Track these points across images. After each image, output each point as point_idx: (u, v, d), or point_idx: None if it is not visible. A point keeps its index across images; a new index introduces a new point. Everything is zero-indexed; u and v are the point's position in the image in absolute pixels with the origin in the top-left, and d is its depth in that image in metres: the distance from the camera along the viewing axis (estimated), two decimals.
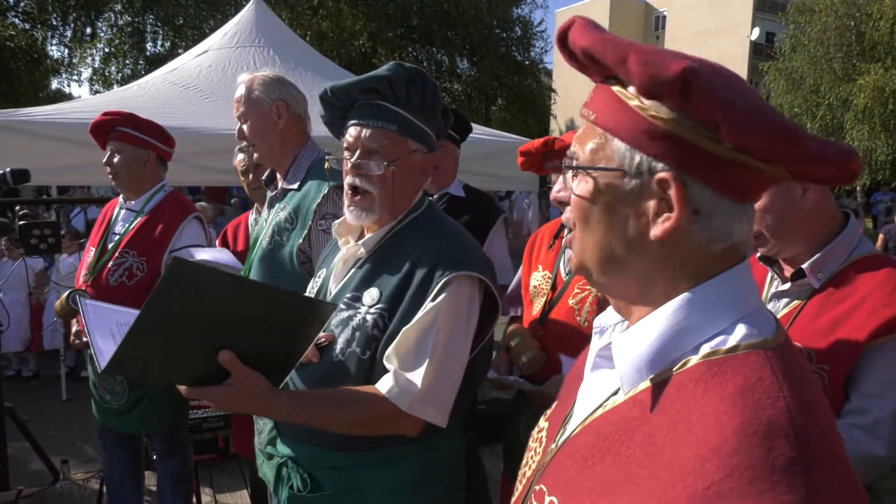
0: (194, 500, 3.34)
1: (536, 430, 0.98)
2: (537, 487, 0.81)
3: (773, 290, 1.56)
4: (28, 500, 3.57)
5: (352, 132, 1.54)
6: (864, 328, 1.35)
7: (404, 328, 1.42)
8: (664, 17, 38.58)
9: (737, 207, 0.72)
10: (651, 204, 0.72)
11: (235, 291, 1.22)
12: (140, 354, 1.21)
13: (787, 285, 1.50)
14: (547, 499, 0.77)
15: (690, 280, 0.73)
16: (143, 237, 2.77)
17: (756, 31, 31.87)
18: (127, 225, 2.82)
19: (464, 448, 1.65)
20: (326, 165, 1.62)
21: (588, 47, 0.73)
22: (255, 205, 3.20)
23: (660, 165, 0.71)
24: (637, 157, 0.72)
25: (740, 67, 32.58)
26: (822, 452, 0.61)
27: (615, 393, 0.77)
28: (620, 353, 0.74)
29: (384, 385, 1.41)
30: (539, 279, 2.28)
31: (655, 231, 0.72)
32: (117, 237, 2.80)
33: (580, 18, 0.77)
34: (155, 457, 3.08)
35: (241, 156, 3.14)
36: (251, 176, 3.10)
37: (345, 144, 1.57)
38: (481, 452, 1.70)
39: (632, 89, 0.73)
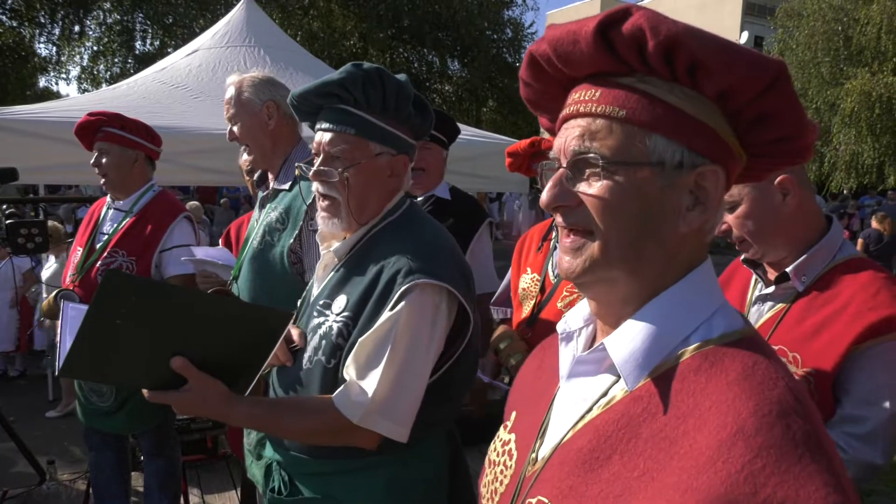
0: (182, 500, 3.32)
1: (500, 443, 0.95)
2: (533, 500, 0.78)
3: (757, 293, 1.57)
4: (14, 500, 3.55)
5: (316, 137, 1.52)
6: (848, 332, 1.35)
7: (361, 338, 1.38)
8: None
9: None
10: (684, 198, 0.74)
11: (181, 302, 1.24)
12: (91, 360, 1.24)
13: (772, 289, 1.51)
14: None
15: (683, 272, 0.76)
16: (132, 237, 2.75)
17: (745, 35, 32.07)
18: (116, 225, 2.81)
19: (447, 459, 1.61)
20: (297, 172, 1.59)
21: (681, 34, 0.69)
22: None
23: (702, 160, 0.73)
24: (679, 153, 0.73)
25: None
26: (819, 421, 0.66)
27: (605, 394, 0.77)
28: (618, 352, 0.75)
29: (337, 395, 1.39)
30: (528, 282, 2.29)
31: (687, 225, 0.74)
32: (105, 237, 2.79)
33: (641, 7, 0.72)
34: (142, 457, 3.07)
35: (245, 155, 3.13)
36: (256, 175, 3.10)
37: (312, 150, 1.55)
38: (469, 453, 1.68)
39: (664, 87, 0.73)
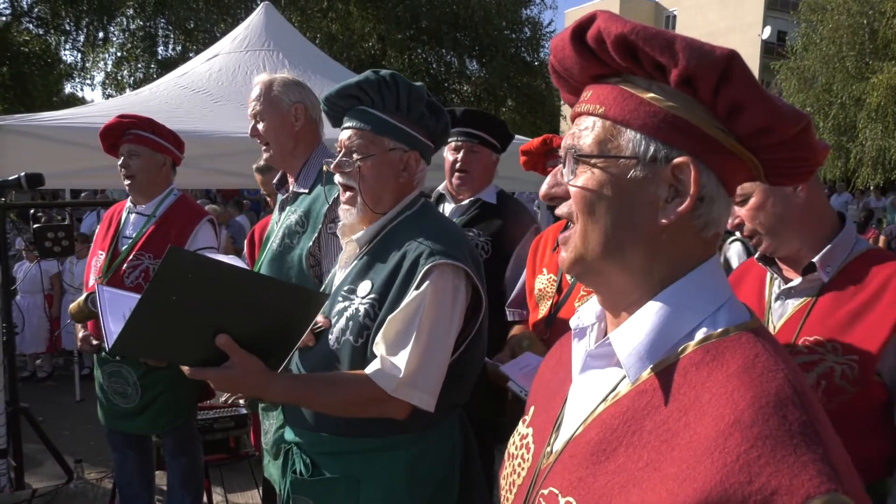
0: (205, 499, 3.37)
1: (518, 437, 0.98)
2: (545, 491, 0.81)
3: (776, 289, 1.57)
4: (42, 499, 3.62)
5: (340, 135, 1.69)
6: (889, 316, 1.36)
7: (390, 316, 1.50)
8: (674, 16, 38.35)
9: (727, 198, 0.78)
10: (661, 191, 0.75)
11: (231, 279, 1.30)
12: (143, 337, 1.30)
13: (797, 281, 1.51)
14: (562, 500, 0.77)
15: (681, 268, 0.77)
16: (157, 240, 2.80)
17: (767, 30, 31.61)
18: (139, 228, 2.86)
19: (460, 442, 1.69)
20: (325, 168, 1.72)
21: (627, 33, 0.73)
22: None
23: (675, 152, 0.74)
24: (652, 146, 0.75)
25: (752, 67, 32.09)
26: (820, 412, 0.67)
27: (614, 389, 0.79)
28: (622, 345, 0.77)
29: (371, 369, 1.49)
30: (544, 282, 2.28)
31: (666, 216, 0.75)
32: (130, 240, 2.83)
33: (602, 11, 0.78)
34: (165, 456, 3.11)
35: (259, 176, 3.19)
36: (271, 199, 3.18)
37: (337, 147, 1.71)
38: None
39: (643, 84, 0.76)
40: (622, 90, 0.77)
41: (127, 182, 2.85)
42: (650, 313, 0.76)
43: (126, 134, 2.83)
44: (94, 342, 2.86)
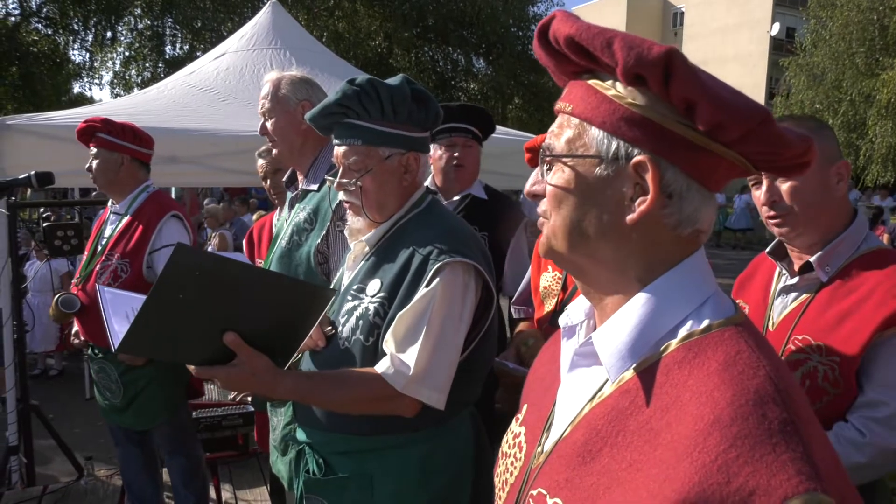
0: (214, 496, 3.38)
1: (511, 435, 0.98)
2: (534, 492, 0.81)
3: (781, 284, 1.57)
4: (53, 495, 3.64)
5: (334, 151, 1.67)
6: (872, 320, 1.35)
7: (399, 313, 1.49)
8: (682, 13, 38.15)
9: (704, 194, 0.76)
10: (626, 189, 0.75)
11: (237, 276, 1.29)
12: (149, 336, 1.29)
13: (796, 279, 1.51)
14: (550, 501, 0.78)
15: (660, 266, 0.76)
16: (125, 239, 2.80)
17: (776, 27, 31.42)
18: (113, 228, 2.86)
19: (472, 439, 1.69)
20: (328, 183, 1.71)
21: (573, 34, 0.74)
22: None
23: (636, 150, 0.74)
24: (614, 144, 0.75)
25: (760, 63, 32.12)
26: (804, 410, 0.66)
27: (600, 389, 0.78)
28: (603, 345, 0.76)
29: (381, 367, 1.49)
30: (549, 280, 2.28)
31: (630, 215, 0.75)
32: (104, 240, 2.85)
33: (561, 11, 0.79)
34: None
35: (260, 161, 3.18)
36: (269, 181, 3.15)
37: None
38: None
39: (608, 81, 0.76)
40: (589, 87, 0.78)
41: (95, 184, 2.89)
42: (630, 312, 0.76)
43: (93, 137, 2.85)
44: (83, 338, 2.87)
